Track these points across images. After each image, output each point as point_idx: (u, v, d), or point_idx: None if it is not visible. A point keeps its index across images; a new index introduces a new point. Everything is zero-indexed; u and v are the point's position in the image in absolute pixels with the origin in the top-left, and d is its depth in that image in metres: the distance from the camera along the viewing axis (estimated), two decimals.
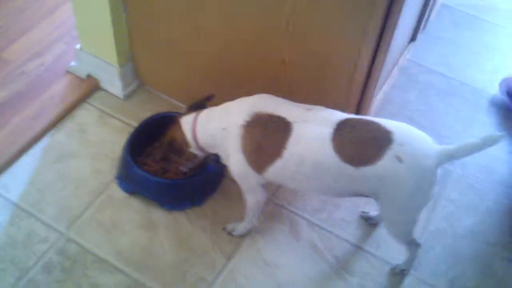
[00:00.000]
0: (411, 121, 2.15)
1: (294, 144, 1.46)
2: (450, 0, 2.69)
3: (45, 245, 1.69)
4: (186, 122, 1.63)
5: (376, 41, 1.57)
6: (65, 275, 1.64)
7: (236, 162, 1.55)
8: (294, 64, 1.74)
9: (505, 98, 2.30)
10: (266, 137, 1.48)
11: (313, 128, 1.46)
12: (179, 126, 1.64)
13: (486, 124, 2.23)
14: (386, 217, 1.53)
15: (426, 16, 2.22)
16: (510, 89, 2.29)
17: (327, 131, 1.44)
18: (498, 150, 2.12)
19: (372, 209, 1.83)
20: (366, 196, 1.51)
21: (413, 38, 2.21)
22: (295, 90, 1.55)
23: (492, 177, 2.04)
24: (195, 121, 1.61)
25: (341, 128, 1.44)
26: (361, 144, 1.42)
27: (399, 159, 1.39)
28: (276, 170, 1.50)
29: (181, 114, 1.68)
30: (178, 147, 1.65)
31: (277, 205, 1.86)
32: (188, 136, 1.62)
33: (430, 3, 2.11)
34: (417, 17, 2.10)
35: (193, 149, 1.65)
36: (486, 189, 2.00)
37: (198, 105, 1.68)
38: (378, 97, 1.95)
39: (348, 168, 1.42)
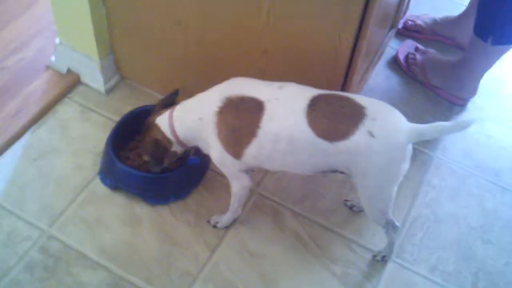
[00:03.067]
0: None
1: (268, 122, 1.47)
2: None
3: (27, 243, 1.68)
4: (162, 121, 1.63)
5: (356, 27, 1.57)
6: (48, 274, 1.63)
7: (215, 150, 1.56)
8: (276, 53, 1.74)
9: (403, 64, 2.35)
10: (240, 120, 1.49)
11: (286, 104, 1.48)
12: (158, 127, 1.64)
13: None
14: (361, 193, 1.55)
15: (406, 1, 2.22)
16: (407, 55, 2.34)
17: (301, 107, 1.46)
18: (477, 134, 2.15)
19: (356, 197, 1.84)
20: (341, 172, 1.53)
21: (393, 25, 2.21)
22: (277, 78, 1.56)
23: (473, 161, 2.06)
24: (170, 117, 1.62)
25: (314, 103, 1.46)
26: (334, 118, 1.44)
27: (371, 134, 1.41)
28: (253, 151, 1.51)
29: (153, 116, 1.68)
30: (163, 148, 1.65)
31: (260, 195, 1.87)
32: (168, 134, 1.63)
33: None
34: (398, 2, 2.10)
35: (175, 147, 1.66)
36: (467, 173, 2.02)
37: (167, 103, 1.69)
38: (361, 84, 1.96)
39: (322, 143, 1.44)
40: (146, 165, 1.76)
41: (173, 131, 1.62)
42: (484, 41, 2.00)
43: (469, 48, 2.12)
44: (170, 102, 1.71)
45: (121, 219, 1.77)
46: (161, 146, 1.65)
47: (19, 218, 1.74)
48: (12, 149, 1.91)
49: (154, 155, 1.68)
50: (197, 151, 1.69)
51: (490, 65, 2.12)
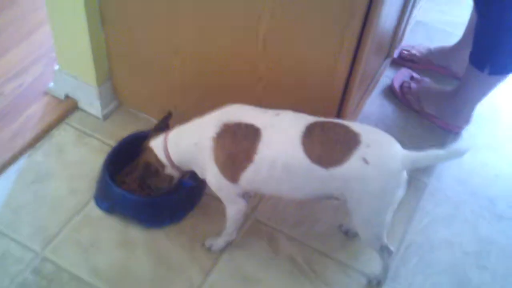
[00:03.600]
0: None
1: (264, 149, 1.48)
2: (425, 16, 2.74)
3: (20, 265, 1.67)
4: (156, 144, 1.65)
5: (351, 56, 1.60)
6: None
7: (211, 175, 1.57)
8: (271, 81, 1.76)
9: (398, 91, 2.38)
10: (236, 145, 1.50)
11: (282, 131, 1.50)
12: (151, 150, 1.65)
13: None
14: (355, 219, 1.56)
15: (401, 31, 2.26)
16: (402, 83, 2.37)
17: (296, 134, 1.47)
18: (472, 161, 2.16)
19: (350, 222, 1.84)
20: (336, 198, 1.53)
21: (389, 54, 2.25)
22: (273, 106, 1.59)
23: (468, 188, 2.07)
24: (165, 141, 1.63)
25: (310, 130, 1.48)
26: (329, 145, 1.45)
27: (365, 160, 1.42)
28: (249, 177, 1.52)
29: (148, 140, 1.69)
30: (154, 171, 1.66)
31: (256, 220, 1.87)
32: (162, 157, 1.64)
33: (405, 19, 2.15)
34: (393, 32, 2.14)
35: (169, 170, 1.67)
36: (461, 200, 2.02)
37: (161, 127, 1.71)
38: (356, 112, 1.98)
39: (318, 169, 1.45)
40: (143, 189, 1.77)
41: (167, 155, 1.63)
42: (481, 71, 2.03)
43: (465, 77, 2.15)
44: (164, 125, 1.73)
45: (116, 242, 1.76)
46: (152, 169, 1.66)
47: (12, 240, 1.73)
48: (7, 173, 1.91)
49: (142, 178, 1.69)
50: (193, 174, 1.70)
51: (486, 94, 2.14)
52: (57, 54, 2.07)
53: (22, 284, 1.64)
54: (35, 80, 2.22)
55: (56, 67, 2.11)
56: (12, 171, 1.92)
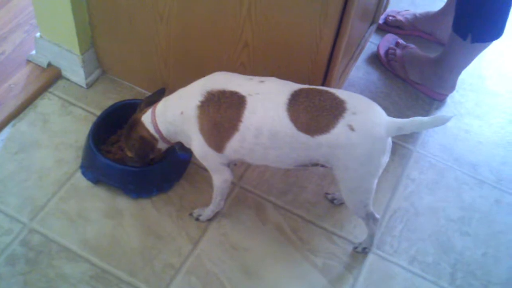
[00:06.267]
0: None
1: (249, 117, 1.48)
2: None
3: (8, 237, 1.68)
4: (146, 118, 1.64)
5: (337, 22, 1.59)
6: (29, 267, 1.63)
7: (196, 144, 1.57)
8: (257, 47, 1.75)
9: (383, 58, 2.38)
10: (221, 114, 1.50)
11: (267, 99, 1.49)
12: (142, 124, 1.64)
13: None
14: (342, 186, 1.57)
15: None
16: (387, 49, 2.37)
17: (282, 101, 1.48)
18: (456, 128, 2.19)
19: (336, 190, 1.87)
20: (322, 165, 1.55)
21: (374, 21, 2.23)
22: (258, 73, 1.58)
23: (452, 155, 2.10)
24: (153, 114, 1.62)
25: (295, 97, 1.48)
26: (315, 113, 1.45)
27: (351, 127, 1.43)
28: (235, 145, 1.52)
29: (138, 113, 1.67)
30: (149, 144, 1.65)
31: (243, 189, 1.88)
32: (152, 130, 1.63)
33: None
34: None
35: (160, 143, 1.66)
36: (445, 167, 2.05)
37: (152, 101, 1.69)
38: (341, 79, 1.98)
39: (303, 137, 1.46)
40: (128, 160, 1.76)
41: (156, 127, 1.62)
42: (463, 39, 2.03)
43: (448, 45, 2.15)
44: (155, 100, 1.70)
45: (103, 212, 1.77)
46: (147, 143, 1.65)
47: None
48: None
49: (139, 152, 1.68)
50: (183, 146, 1.69)
51: (469, 62, 2.15)
52: (38, 21, 2.03)
53: (11, 256, 1.64)
54: (16, 48, 2.18)
55: (38, 34, 2.07)
56: None
